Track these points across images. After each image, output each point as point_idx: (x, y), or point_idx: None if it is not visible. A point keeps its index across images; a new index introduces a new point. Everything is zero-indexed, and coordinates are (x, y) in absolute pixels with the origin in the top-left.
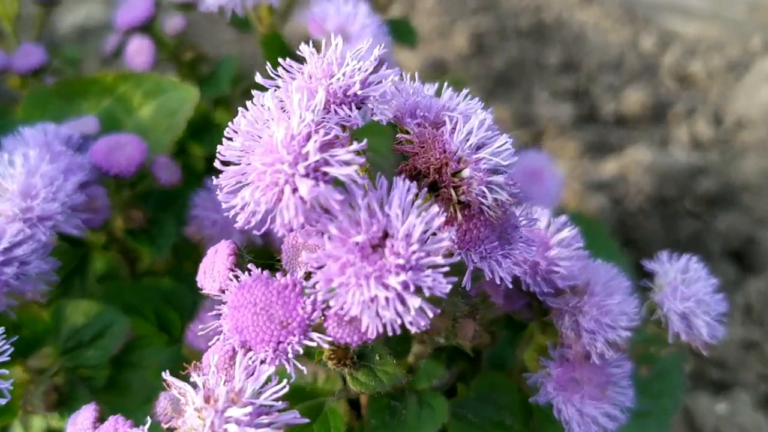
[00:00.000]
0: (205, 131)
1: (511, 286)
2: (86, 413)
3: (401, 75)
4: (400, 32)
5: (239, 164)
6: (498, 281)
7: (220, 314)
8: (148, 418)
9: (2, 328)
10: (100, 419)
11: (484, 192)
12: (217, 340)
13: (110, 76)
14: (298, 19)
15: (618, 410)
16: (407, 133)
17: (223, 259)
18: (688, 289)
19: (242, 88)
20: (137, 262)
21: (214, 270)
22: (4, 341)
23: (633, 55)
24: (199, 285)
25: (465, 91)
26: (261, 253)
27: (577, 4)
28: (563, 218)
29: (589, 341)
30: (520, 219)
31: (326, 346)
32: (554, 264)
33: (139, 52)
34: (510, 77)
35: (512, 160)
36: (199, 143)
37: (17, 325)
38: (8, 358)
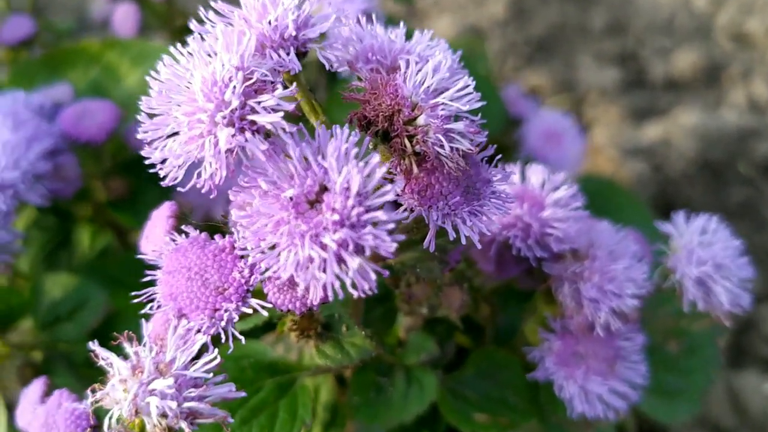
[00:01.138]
0: None
1: (479, 246)
2: (35, 387)
3: (359, 18)
4: None
5: (162, 116)
6: (463, 241)
7: (155, 280)
8: (89, 392)
9: None
10: (48, 393)
11: (441, 141)
12: (152, 308)
13: (96, 45)
14: None
15: (628, 387)
16: (361, 80)
17: (162, 221)
18: (705, 252)
19: None
20: (130, 236)
21: (154, 233)
22: None
23: (685, 15)
24: (141, 250)
25: (428, 33)
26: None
27: None
28: (560, 176)
29: (592, 311)
30: (495, 173)
31: (265, 313)
32: (548, 225)
33: (125, 18)
34: (550, 43)
35: (476, 105)
36: None
37: None
38: None
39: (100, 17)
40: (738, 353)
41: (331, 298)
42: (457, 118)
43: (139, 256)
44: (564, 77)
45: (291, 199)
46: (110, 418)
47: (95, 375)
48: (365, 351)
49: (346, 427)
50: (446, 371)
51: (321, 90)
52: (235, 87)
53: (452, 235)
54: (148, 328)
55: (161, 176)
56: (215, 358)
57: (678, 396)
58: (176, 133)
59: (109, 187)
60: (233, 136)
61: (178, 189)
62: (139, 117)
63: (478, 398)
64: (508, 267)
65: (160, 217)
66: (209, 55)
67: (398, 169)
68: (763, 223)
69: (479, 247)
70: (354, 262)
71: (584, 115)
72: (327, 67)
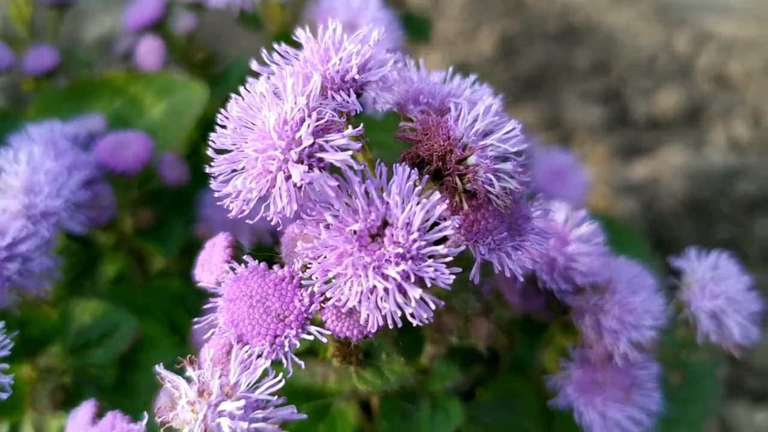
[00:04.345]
0: None
1: (522, 279)
2: (85, 409)
3: (405, 62)
4: (415, 27)
5: (232, 151)
6: (508, 274)
7: (216, 307)
8: (145, 413)
9: (2, 322)
10: (99, 415)
11: (491, 180)
12: (213, 333)
13: (121, 77)
14: (308, 15)
15: (644, 414)
16: (410, 120)
17: (219, 251)
18: (718, 287)
19: None
20: (148, 264)
21: (211, 262)
22: (4, 336)
23: (666, 57)
24: (196, 278)
25: (472, 78)
26: (269, 251)
27: (607, 5)
28: (582, 212)
29: (611, 341)
30: (533, 210)
31: (324, 340)
32: (572, 260)
33: (149, 52)
34: (537, 81)
35: (521, 146)
36: None
37: (24, 322)
38: (8, 353)
39: (121, 50)
40: (729, 386)
41: (390, 326)
42: (504, 159)
43: (199, 285)
44: (550, 114)
45: (355, 232)
46: None
47: (122, 399)
48: (403, 377)
49: None
50: (462, 399)
51: None
52: (309, 126)
53: (497, 268)
54: (209, 353)
55: (229, 209)
56: (279, 381)
57: (677, 425)
58: (242, 169)
59: (137, 216)
60: (306, 172)
61: (244, 219)
62: (209, 153)
63: (496, 425)
64: (531, 299)
65: (217, 246)
66: (277, 96)
67: (447, 206)
68: (748, 260)
69: (521, 279)
70: (416, 293)
71: (572, 151)
72: (379, 107)
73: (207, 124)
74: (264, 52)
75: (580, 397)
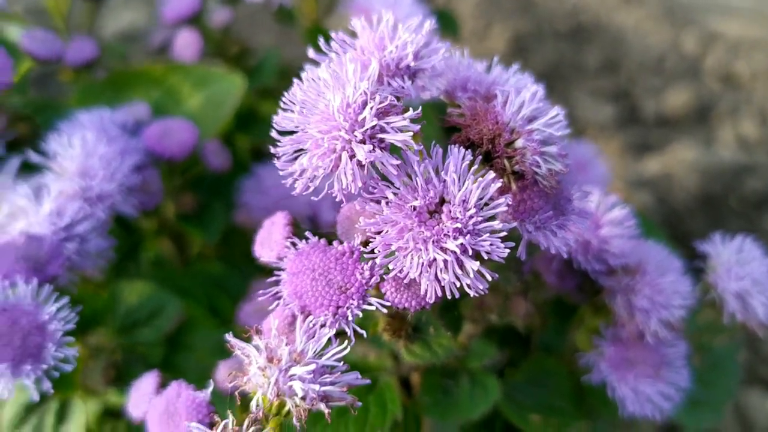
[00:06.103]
0: (250, 123)
1: (566, 256)
2: (149, 379)
3: (451, 52)
4: (443, 22)
5: (297, 133)
6: (553, 251)
7: (279, 281)
8: (211, 381)
9: (67, 297)
10: (162, 385)
11: (538, 162)
12: (277, 305)
13: (159, 68)
14: (343, 10)
15: (673, 389)
16: (458, 107)
17: (279, 229)
18: (743, 269)
19: (287, 82)
20: (188, 249)
21: (271, 240)
22: (69, 310)
23: (674, 56)
24: (256, 255)
25: (515, 67)
26: (327, 232)
27: (616, 5)
28: (613, 198)
29: (642, 320)
30: (573, 192)
31: (384, 310)
32: (605, 242)
33: (187, 44)
34: (548, 79)
35: (565, 131)
36: (245, 134)
37: (78, 301)
38: (73, 326)
39: (156, 42)
40: (743, 374)
41: (449, 296)
42: (549, 142)
43: (260, 260)
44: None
45: (414, 208)
46: (256, 401)
47: (170, 378)
48: (451, 350)
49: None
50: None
51: None
52: (372, 108)
53: (543, 245)
54: (274, 324)
55: (295, 188)
56: (345, 348)
57: (702, 406)
58: (304, 150)
59: (179, 201)
60: (370, 151)
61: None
62: (273, 134)
63: (530, 402)
64: (566, 279)
65: (276, 224)
66: (337, 80)
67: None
68: None
69: (565, 257)
70: (474, 265)
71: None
72: (428, 95)
73: (241, 115)
74: (321, 42)
75: (613, 373)
